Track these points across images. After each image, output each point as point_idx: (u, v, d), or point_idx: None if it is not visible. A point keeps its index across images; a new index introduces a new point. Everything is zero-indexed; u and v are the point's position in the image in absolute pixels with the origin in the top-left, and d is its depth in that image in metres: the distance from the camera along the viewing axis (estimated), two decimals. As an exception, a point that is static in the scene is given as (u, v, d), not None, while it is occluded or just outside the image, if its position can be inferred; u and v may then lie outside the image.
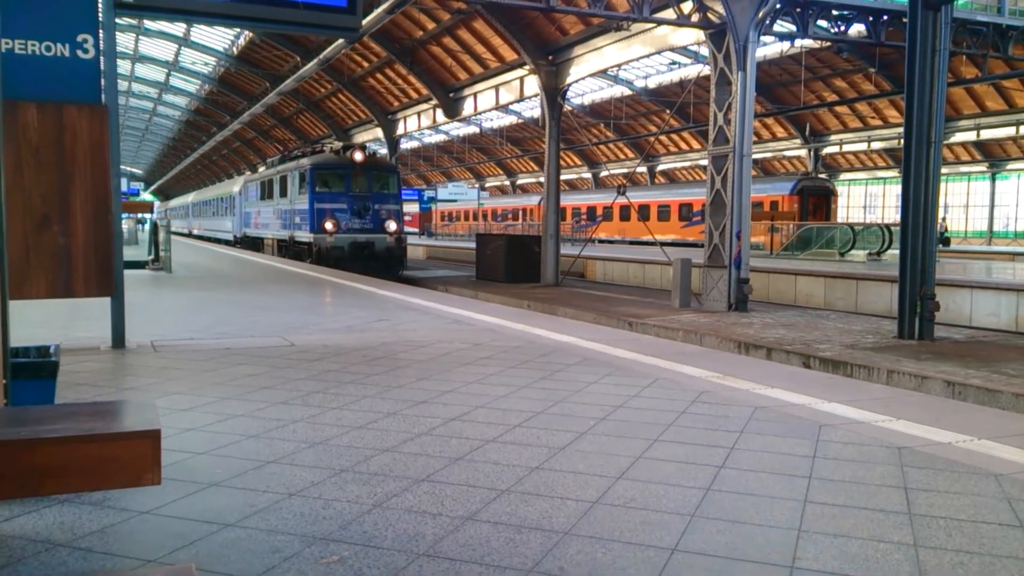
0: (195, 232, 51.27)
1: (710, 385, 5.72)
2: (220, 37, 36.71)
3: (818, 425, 4.60)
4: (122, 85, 46.14)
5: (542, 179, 25.43)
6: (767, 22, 15.40)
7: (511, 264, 21.90)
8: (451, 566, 2.72)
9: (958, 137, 36.68)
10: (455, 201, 61.48)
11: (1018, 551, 2.86)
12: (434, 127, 37.23)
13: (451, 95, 27.85)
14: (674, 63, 36.76)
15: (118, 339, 7.24)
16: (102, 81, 6.76)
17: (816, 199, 33.20)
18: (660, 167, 51.35)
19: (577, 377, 6.00)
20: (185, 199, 62.07)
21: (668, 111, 37.26)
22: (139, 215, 44.97)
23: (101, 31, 6.75)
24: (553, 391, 5.50)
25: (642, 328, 13.17)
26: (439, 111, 28.64)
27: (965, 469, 3.79)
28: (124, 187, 41.68)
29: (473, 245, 25.99)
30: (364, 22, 17.41)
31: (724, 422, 4.67)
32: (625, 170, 47.95)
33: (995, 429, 4.49)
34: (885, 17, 17.51)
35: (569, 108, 40.61)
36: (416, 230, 63.66)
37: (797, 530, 3.04)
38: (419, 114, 31.09)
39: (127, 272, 8.07)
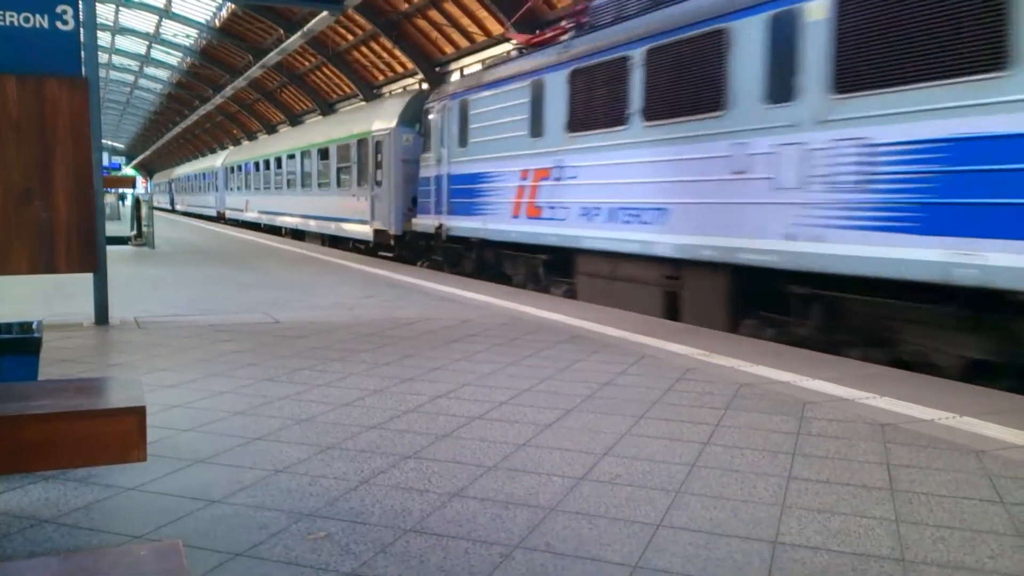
0: (254, 218, 29.17)
1: (696, 363, 5.75)
2: (202, 8, 36.20)
3: (802, 402, 4.64)
4: (102, 57, 45.45)
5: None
6: None
7: None
8: (438, 542, 2.73)
9: None
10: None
11: (998, 526, 2.90)
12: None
13: (437, 69, 27.64)
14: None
15: (101, 315, 7.19)
16: (82, 53, 6.66)
17: None
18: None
19: (564, 355, 6.01)
20: (225, 158, 36.31)
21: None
22: (119, 190, 41.39)
23: (80, 2, 6.63)
24: (540, 368, 5.51)
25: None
26: (425, 85, 28.42)
27: (947, 446, 3.84)
28: (106, 161, 40.63)
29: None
30: (349, -6, 17.23)
31: (709, 399, 4.70)
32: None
33: (977, 406, 4.54)
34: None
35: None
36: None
37: (781, 506, 3.08)
38: (404, 88, 30.85)
39: (109, 248, 8.00)
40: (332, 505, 3.04)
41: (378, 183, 16.38)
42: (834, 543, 2.75)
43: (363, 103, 29.60)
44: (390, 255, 16.59)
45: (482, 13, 23.45)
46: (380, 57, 31.13)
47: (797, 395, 4.81)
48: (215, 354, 5.89)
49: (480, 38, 24.71)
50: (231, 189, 33.21)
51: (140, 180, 73.82)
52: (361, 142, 17.46)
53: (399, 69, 30.76)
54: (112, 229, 16.21)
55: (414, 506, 3.04)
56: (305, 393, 4.76)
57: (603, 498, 3.14)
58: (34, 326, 4.17)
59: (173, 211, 52.04)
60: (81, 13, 6.63)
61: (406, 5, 25.69)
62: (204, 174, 40.59)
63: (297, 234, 24.10)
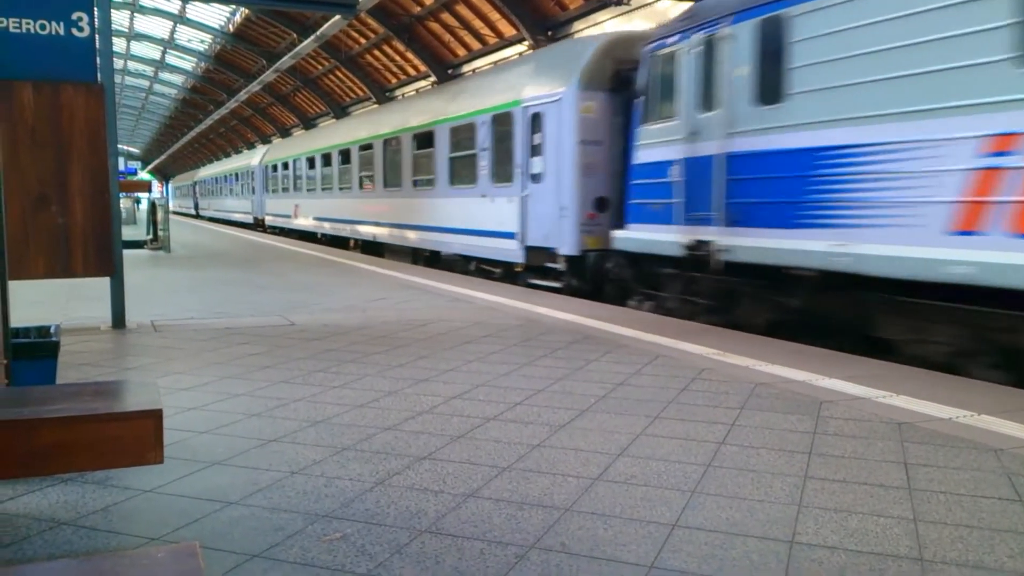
0: (309, 226, 23.61)
1: (711, 362, 5.73)
2: (216, 14, 36.42)
3: (818, 401, 4.61)
4: (117, 63, 45.74)
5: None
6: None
7: None
8: (453, 542, 2.73)
9: None
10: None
11: (1017, 525, 2.88)
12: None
13: (449, 72, 27.69)
14: (674, 38, 36.39)
15: (118, 319, 7.24)
16: (98, 60, 6.72)
17: None
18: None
19: (578, 355, 6.01)
20: (264, 155, 30.48)
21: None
22: (136, 195, 40.62)
23: (96, 9, 6.69)
24: (554, 369, 5.51)
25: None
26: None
27: (965, 444, 3.80)
28: (121, 166, 40.53)
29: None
30: (361, -2, 17.27)
31: (724, 399, 4.68)
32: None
33: (995, 404, 4.50)
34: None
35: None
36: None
37: (797, 505, 3.06)
38: (417, 91, 30.91)
39: (126, 252, 8.07)
40: (348, 506, 3.05)
41: (534, 178, 11.01)
42: (852, 543, 2.73)
43: (488, 67, 22.78)
44: (555, 286, 10.69)
45: (494, 16, 23.47)
46: (393, 60, 31.22)
47: (813, 394, 4.78)
48: (231, 357, 5.92)
49: (492, 40, 24.73)
50: (272, 191, 27.89)
51: (156, 184, 73.68)
52: (499, 119, 12.08)
53: (411, 72, 30.84)
54: (128, 233, 16.34)
55: (429, 507, 3.05)
56: (320, 395, 4.77)
57: (618, 498, 3.13)
58: (52, 330, 4.21)
59: (197, 217, 48.41)
60: (96, 20, 6.69)
61: (418, 8, 25.76)
62: (236, 175, 34.90)
63: (370, 247, 18.84)
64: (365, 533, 2.81)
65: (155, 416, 2.58)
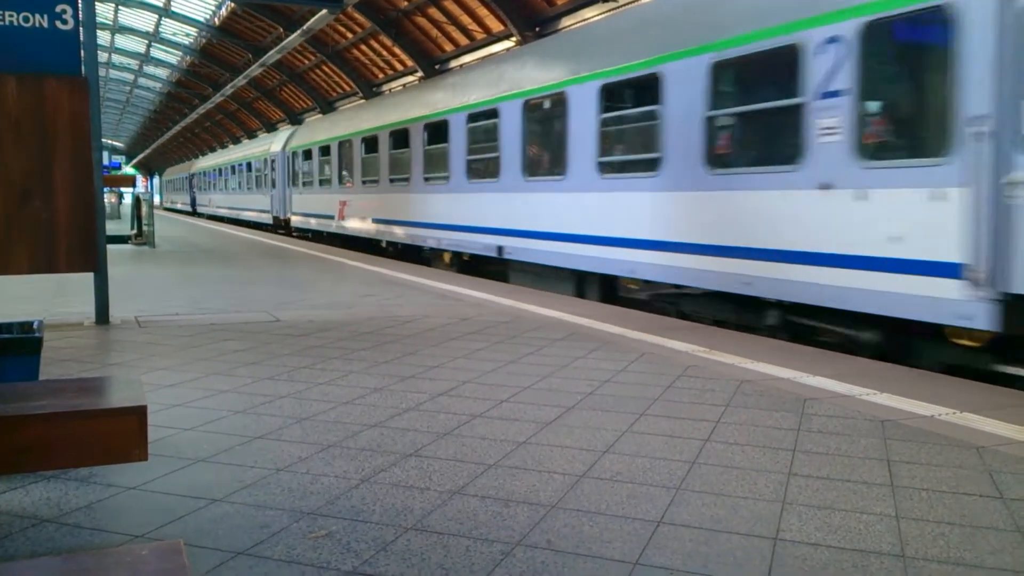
0: (367, 231, 17.25)
1: (696, 359, 5.75)
2: (201, 7, 36.18)
3: (803, 399, 4.64)
4: (102, 56, 45.40)
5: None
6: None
7: None
8: (439, 539, 2.73)
9: None
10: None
11: (998, 522, 2.91)
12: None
13: (436, 67, 27.61)
14: (661, 35, 36.38)
15: (102, 314, 7.20)
16: (82, 53, 6.65)
17: None
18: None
19: (564, 352, 6.02)
20: (289, 139, 24.53)
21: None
22: (119, 189, 39.58)
23: (80, 1, 6.63)
24: (540, 366, 5.52)
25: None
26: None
27: (947, 442, 3.84)
28: (105, 160, 40.08)
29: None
30: (348, -7, 17.12)
31: (710, 396, 4.70)
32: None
33: (977, 402, 4.54)
34: None
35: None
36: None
37: (781, 502, 3.08)
38: (404, 86, 30.80)
39: (110, 247, 8.01)
40: (333, 503, 3.05)
41: None
42: (834, 539, 2.75)
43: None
44: None
45: (482, 11, 23.42)
46: (379, 55, 31.09)
47: (797, 391, 4.81)
48: (216, 353, 5.90)
49: (480, 36, 24.68)
50: (304, 185, 21.88)
51: (140, 179, 72.62)
52: (885, 30, 6.06)
53: (399, 67, 30.73)
54: (112, 228, 16.22)
55: (415, 504, 3.05)
56: (306, 391, 4.76)
57: (604, 495, 3.14)
58: (35, 326, 4.17)
59: (195, 214, 43.26)
60: (81, 12, 6.62)
61: (405, 3, 25.67)
62: (248, 164, 29.11)
63: (475, 266, 13.24)
64: (350, 530, 2.81)
65: (139, 413, 2.57)
